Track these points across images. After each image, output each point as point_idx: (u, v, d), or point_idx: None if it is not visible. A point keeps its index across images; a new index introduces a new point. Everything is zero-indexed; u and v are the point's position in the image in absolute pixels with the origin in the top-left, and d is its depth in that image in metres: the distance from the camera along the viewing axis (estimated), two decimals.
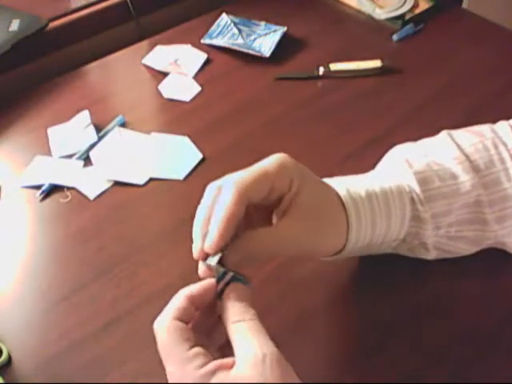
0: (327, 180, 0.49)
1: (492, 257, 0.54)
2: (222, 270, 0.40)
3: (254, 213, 0.45)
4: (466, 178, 0.49)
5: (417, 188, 0.49)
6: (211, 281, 0.40)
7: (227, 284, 0.40)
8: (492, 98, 0.73)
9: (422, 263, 0.53)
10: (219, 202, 0.41)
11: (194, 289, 0.40)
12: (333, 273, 0.54)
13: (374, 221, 0.47)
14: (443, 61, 0.81)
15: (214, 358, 0.36)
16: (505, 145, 0.51)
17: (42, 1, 0.86)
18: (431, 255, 0.52)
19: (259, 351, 0.35)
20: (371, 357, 0.48)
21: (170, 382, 0.37)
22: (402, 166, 0.51)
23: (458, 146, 0.52)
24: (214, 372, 0.35)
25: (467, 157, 0.50)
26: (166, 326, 0.38)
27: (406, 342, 0.49)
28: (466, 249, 0.52)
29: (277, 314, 0.51)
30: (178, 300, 0.39)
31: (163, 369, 0.41)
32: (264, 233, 0.43)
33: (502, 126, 0.54)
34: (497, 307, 0.52)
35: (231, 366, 0.35)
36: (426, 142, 0.54)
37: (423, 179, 0.49)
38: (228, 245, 0.41)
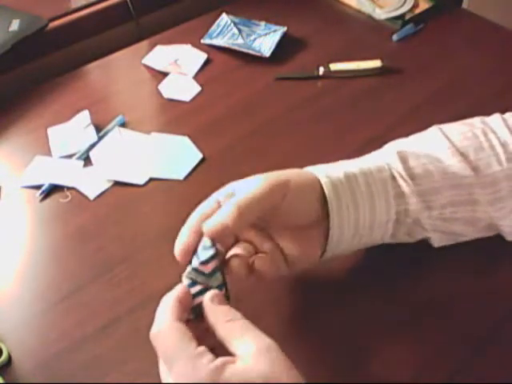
0: (310, 168, 0.49)
1: (491, 255, 0.54)
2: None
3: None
4: (453, 161, 0.50)
5: (399, 165, 0.49)
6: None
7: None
8: (492, 98, 0.73)
9: (422, 262, 0.53)
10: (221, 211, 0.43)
11: (177, 291, 0.41)
12: (332, 273, 0.54)
13: (356, 201, 0.47)
14: (443, 61, 0.81)
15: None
16: (494, 133, 0.51)
17: (42, 1, 0.86)
18: (433, 238, 0.51)
19: (261, 343, 0.36)
20: (370, 357, 0.48)
21: (178, 381, 0.36)
22: (385, 149, 0.52)
23: (446, 135, 0.52)
24: (223, 366, 0.35)
25: (454, 144, 0.51)
26: (167, 328, 0.38)
27: (405, 342, 0.49)
28: (463, 230, 0.52)
29: (275, 314, 0.51)
30: (170, 303, 0.40)
31: None
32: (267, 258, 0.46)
33: (494, 117, 0.54)
34: (496, 305, 0.51)
35: (234, 362, 0.36)
36: (416, 136, 0.55)
37: (405, 157, 0.50)
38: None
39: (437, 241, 0.52)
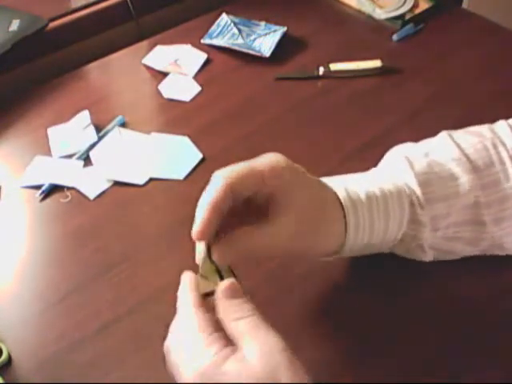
0: (326, 179, 0.49)
1: (492, 256, 0.54)
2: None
3: (248, 212, 0.45)
4: (465, 180, 0.49)
5: (418, 190, 0.49)
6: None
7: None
8: (492, 98, 0.73)
9: (422, 263, 0.53)
10: (207, 190, 0.42)
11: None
12: (331, 273, 0.54)
13: (372, 223, 0.47)
14: (443, 61, 0.81)
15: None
16: (504, 145, 0.51)
17: (42, 1, 0.86)
18: (428, 257, 0.52)
19: (266, 345, 0.36)
20: (370, 357, 0.48)
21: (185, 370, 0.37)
22: (403, 166, 0.51)
23: (459, 146, 0.52)
24: (225, 359, 0.36)
25: (467, 157, 0.50)
26: (183, 316, 0.40)
27: (406, 342, 0.49)
28: (463, 249, 0.52)
29: (275, 314, 0.51)
30: (187, 284, 0.41)
31: (163, 369, 0.42)
32: (256, 229, 0.43)
33: (501, 125, 0.54)
34: (496, 305, 0.51)
35: (237, 358, 0.36)
36: (426, 142, 0.54)
37: (424, 181, 0.49)
38: (220, 240, 0.42)
39: (429, 258, 0.52)
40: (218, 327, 0.38)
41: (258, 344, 0.36)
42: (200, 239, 0.42)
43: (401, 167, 0.51)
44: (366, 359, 0.48)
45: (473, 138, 0.52)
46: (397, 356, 0.48)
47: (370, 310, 0.51)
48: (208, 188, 0.42)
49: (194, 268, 0.51)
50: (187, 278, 0.42)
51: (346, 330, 0.50)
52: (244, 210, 0.44)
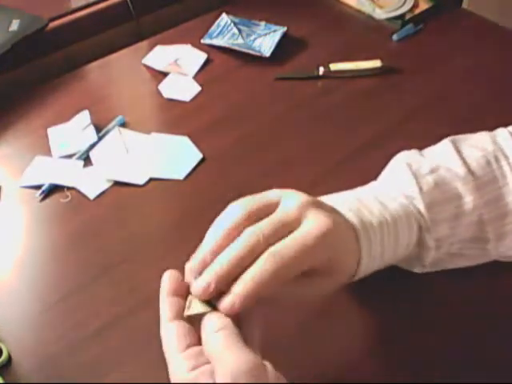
0: (335, 200, 0.46)
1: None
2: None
3: None
4: (469, 199, 0.49)
5: (425, 213, 0.48)
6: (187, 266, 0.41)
7: None
8: (492, 98, 0.73)
9: None
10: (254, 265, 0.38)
11: (167, 283, 0.41)
12: None
13: (383, 250, 0.46)
14: (443, 61, 0.81)
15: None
16: (506, 158, 0.51)
17: (42, 1, 0.86)
18: (426, 270, 0.51)
19: (240, 365, 0.34)
20: (370, 357, 0.48)
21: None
22: (409, 183, 0.49)
23: (464, 161, 0.51)
24: (200, 377, 0.34)
25: (472, 175, 0.50)
26: (163, 329, 0.39)
27: (405, 342, 0.49)
28: (463, 265, 0.52)
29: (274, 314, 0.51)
30: (163, 299, 0.40)
31: (163, 369, 0.42)
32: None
33: (503, 134, 0.53)
34: (496, 305, 0.52)
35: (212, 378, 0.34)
36: (432, 154, 0.53)
37: (431, 203, 0.48)
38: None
39: (428, 270, 0.52)
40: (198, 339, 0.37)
41: (232, 364, 0.34)
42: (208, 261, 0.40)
43: (407, 185, 0.49)
44: (364, 359, 0.48)
45: (476, 151, 0.51)
46: (396, 358, 0.48)
47: (369, 310, 0.51)
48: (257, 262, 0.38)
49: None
50: (165, 281, 0.41)
51: (345, 331, 0.50)
52: None
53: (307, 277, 0.41)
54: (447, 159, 0.51)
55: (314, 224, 0.40)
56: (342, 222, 0.43)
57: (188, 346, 0.37)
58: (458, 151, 0.52)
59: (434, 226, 0.48)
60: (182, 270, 0.48)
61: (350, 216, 0.45)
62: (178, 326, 0.38)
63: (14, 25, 0.77)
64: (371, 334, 0.50)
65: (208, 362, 0.35)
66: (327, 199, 0.46)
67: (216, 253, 0.39)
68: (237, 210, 0.40)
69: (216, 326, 0.36)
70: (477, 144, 0.53)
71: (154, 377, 0.45)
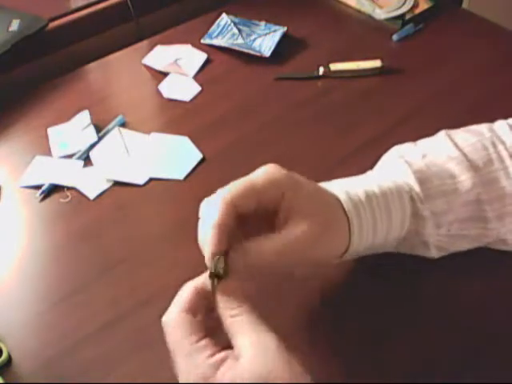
0: (325, 184, 0.49)
1: (492, 255, 0.54)
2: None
3: (256, 226, 0.45)
4: (465, 177, 0.50)
5: (416, 187, 0.49)
6: None
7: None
8: (492, 98, 0.73)
9: (422, 262, 0.53)
10: (209, 216, 0.42)
11: (199, 280, 0.41)
12: (331, 271, 0.54)
13: (375, 222, 0.47)
14: (443, 61, 0.81)
15: (225, 348, 0.37)
16: (503, 143, 0.51)
17: (42, 1, 0.86)
18: (432, 253, 0.51)
19: (260, 343, 0.36)
20: (370, 356, 0.48)
21: (179, 374, 0.37)
22: (400, 166, 0.51)
23: (457, 145, 0.52)
24: (220, 363, 0.36)
25: (465, 156, 0.51)
26: (173, 319, 0.39)
27: (405, 342, 0.49)
28: (467, 247, 0.52)
29: (275, 314, 0.51)
30: (185, 293, 0.40)
31: (163, 369, 0.42)
32: (266, 238, 0.43)
33: (501, 124, 0.54)
34: (496, 305, 0.52)
35: (233, 359, 0.36)
36: (424, 143, 0.54)
37: (422, 178, 0.49)
38: (229, 254, 0.41)
39: (434, 255, 0.52)
40: (210, 331, 0.38)
41: (252, 343, 0.36)
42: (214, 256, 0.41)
43: (398, 167, 0.51)
44: (364, 359, 0.48)
45: (472, 137, 0.52)
46: (397, 356, 0.48)
47: (369, 310, 0.51)
48: (211, 212, 0.42)
49: (194, 267, 0.51)
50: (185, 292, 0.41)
51: (345, 331, 0.50)
52: (257, 225, 0.45)
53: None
54: (440, 145, 0.52)
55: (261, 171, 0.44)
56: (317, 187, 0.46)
57: (203, 337, 0.37)
58: (452, 139, 0.53)
59: (428, 199, 0.49)
60: (182, 270, 0.48)
61: (335, 190, 0.47)
62: (192, 318, 0.39)
63: (14, 25, 0.77)
64: (370, 334, 0.50)
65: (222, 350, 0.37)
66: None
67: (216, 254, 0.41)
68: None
69: (239, 311, 0.38)
70: (473, 131, 0.54)
71: (154, 377, 0.45)
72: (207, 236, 0.41)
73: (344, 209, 0.46)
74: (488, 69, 0.79)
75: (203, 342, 0.37)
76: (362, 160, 0.56)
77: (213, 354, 0.36)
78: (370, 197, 0.47)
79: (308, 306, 0.52)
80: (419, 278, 0.53)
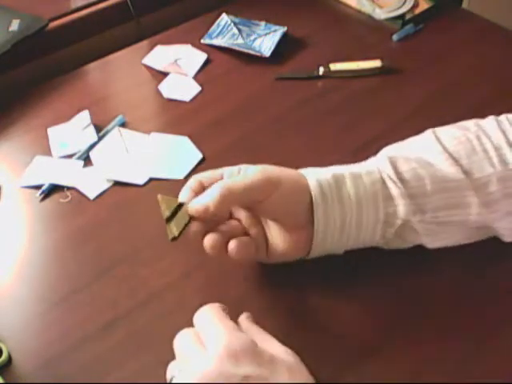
0: (303, 171, 0.51)
1: (491, 255, 0.54)
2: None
3: None
4: (444, 165, 0.50)
5: (389, 169, 0.50)
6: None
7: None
8: (492, 98, 0.73)
9: (422, 262, 0.53)
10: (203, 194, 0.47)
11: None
12: (331, 272, 0.54)
13: (342, 201, 0.48)
14: (443, 61, 0.81)
15: None
16: (488, 137, 0.51)
17: (42, 1, 0.86)
18: (425, 240, 0.51)
19: (288, 356, 0.41)
20: (370, 356, 0.48)
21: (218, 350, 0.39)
22: (379, 156, 0.53)
23: (440, 141, 0.52)
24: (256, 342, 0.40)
25: (446, 149, 0.51)
26: (208, 306, 0.43)
27: (405, 342, 0.49)
28: (457, 233, 0.52)
29: (275, 314, 0.51)
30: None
31: (163, 369, 0.42)
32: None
33: (489, 120, 0.54)
34: (496, 305, 0.52)
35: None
36: (409, 140, 0.55)
37: (395, 162, 0.50)
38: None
39: (430, 244, 0.52)
40: None
41: (280, 348, 0.42)
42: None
43: (376, 157, 0.52)
44: (364, 359, 0.48)
45: (457, 131, 0.53)
46: (396, 356, 0.48)
47: (369, 310, 0.51)
48: (208, 191, 0.47)
49: (194, 267, 0.51)
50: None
51: (343, 329, 0.50)
52: None
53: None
54: (423, 141, 0.53)
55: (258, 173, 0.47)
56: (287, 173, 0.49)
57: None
58: (436, 135, 0.53)
59: (402, 182, 0.49)
60: (182, 270, 0.48)
61: (307, 176, 0.49)
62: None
63: (14, 25, 0.77)
64: (370, 334, 0.50)
65: None
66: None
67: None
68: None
69: (264, 338, 0.44)
70: (459, 126, 0.54)
71: (154, 377, 0.45)
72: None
73: (309, 188, 0.48)
74: (488, 69, 0.79)
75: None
76: (362, 160, 0.56)
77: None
78: (336, 176, 0.49)
79: (304, 306, 0.52)
80: (419, 278, 0.53)
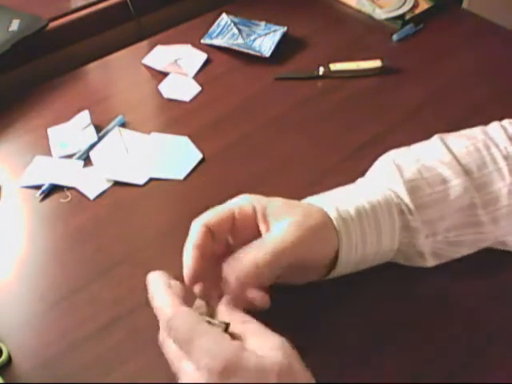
0: (316, 198, 0.50)
1: (492, 255, 0.54)
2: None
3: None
4: (457, 182, 0.50)
5: (406, 198, 0.49)
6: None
7: None
8: (492, 99, 0.73)
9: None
10: (188, 238, 0.46)
11: (161, 276, 0.44)
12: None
13: (364, 237, 0.47)
14: (443, 61, 0.81)
15: None
16: (497, 146, 0.51)
17: (42, 1, 0.86)
18: (428, 263, 0.51)
19: (275, 342, 0.38)
20: (370, 356, 0.48)
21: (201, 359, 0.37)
22: (392, 174, 0.51)
23: (450, 149, 0.52)
24: (243, 347, 0.37)
25: (458, 161, 0.51)
26: (180, 312, 0.41)
27: (405, 342, 0.49)
28: (466, 252, 0.52)
29: (275, 314, 0.51)
30: (162, 290, 0.43)
31: (163, 369, 0.42)
32: (249, 247, 0.45)
33: (494, 127, 0.54)
34: (496, 305, 0.52)
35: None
36: (418, 147, 0.54)
37: (413, 188, 0.50)
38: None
39: (431, 264, 0.52)
40: None
41: (268, 342, 0.38)
42: (193, 282, 0.45)
43: (390, 176, 0.51)
44: (364, 359, 0.48)
45: (465, 140, 0.53)
46: (396, 356, 0.48)
47: (369, 310, 0.51)
48: (189, 235, 0.46)
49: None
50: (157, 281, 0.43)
51: (343, 329, 0.50)
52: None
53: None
54: (433, 149, 0.53)
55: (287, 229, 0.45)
56: (316, 220, 0.46)
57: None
58: (444, 143, 0.53)
59: (418, 210, 0.49)
60: (181, 270, 0.48)
61: (325, 205, 0.48)
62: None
63: (14, 25, 0.77)
64: (370, 334, 0.50)
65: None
66: (310, 200, 0.50)
67: (194, 278, 0.45)
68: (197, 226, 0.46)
69: (249, 318, 0.41)
70: (466, 135, 0.54)
71: (153, 377, 0.45)
72: (184, 259, 0.45)
73: (334, 224, 0.47)
74: (488, 69, 0.79)
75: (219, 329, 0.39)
76: (362, 160, 0.56)
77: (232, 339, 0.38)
78: (359, 212, 0.48)
79: (304, 307, 0.52)
80: (419, 278, 0.53)
